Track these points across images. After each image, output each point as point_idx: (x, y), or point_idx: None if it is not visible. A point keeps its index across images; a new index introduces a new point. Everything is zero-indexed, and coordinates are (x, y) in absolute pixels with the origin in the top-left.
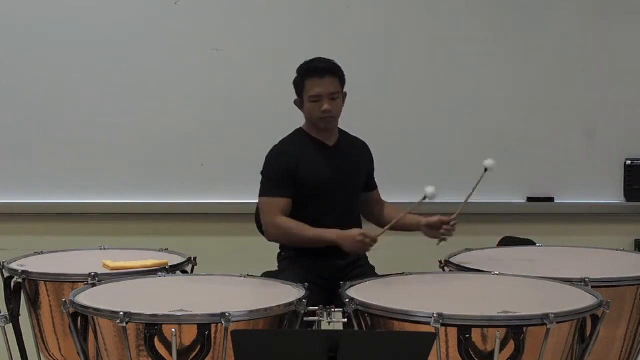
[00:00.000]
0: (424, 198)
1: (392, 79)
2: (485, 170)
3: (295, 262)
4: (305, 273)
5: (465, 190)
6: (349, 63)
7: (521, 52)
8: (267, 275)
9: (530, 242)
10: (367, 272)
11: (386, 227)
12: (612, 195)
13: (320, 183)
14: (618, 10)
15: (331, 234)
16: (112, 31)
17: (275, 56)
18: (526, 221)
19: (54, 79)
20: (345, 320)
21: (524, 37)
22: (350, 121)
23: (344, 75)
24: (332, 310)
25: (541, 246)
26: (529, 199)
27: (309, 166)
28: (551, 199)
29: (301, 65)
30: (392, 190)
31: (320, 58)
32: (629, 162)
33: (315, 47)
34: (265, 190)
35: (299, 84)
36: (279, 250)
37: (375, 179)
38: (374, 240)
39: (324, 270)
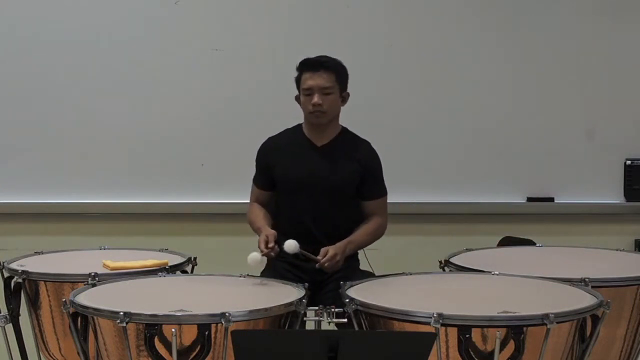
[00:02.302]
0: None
1: (391, 79)
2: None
3: (281, 260)
4: (289, 273)
5: (465, 190)
6: (349, 63)
7: (521, 52)
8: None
9: (530, 242)
10: (351, 275)
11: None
12: (612, 195)
13: (293, 182)
14: (618, 10)
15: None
16: (112, 31)
17: (275, 56)
18: (526, 221)
19: (54, 79)
20: (345, 320)
21: (524, 37)
22: (350, 121)
23: (343, 74)
24: (332, 310)
25: (541, 246)
26: (529, 199)
27: (287, 164)
28: (551, 199)
29: (301, 60)
30: (391, 191)
31: (323, 55)
32: (629, 162)
33: (315, 47)
34: (254, 176)
35: (297, 79)
36: None
37: (385, 185)
38: (270, 252)
39: (307, 269)
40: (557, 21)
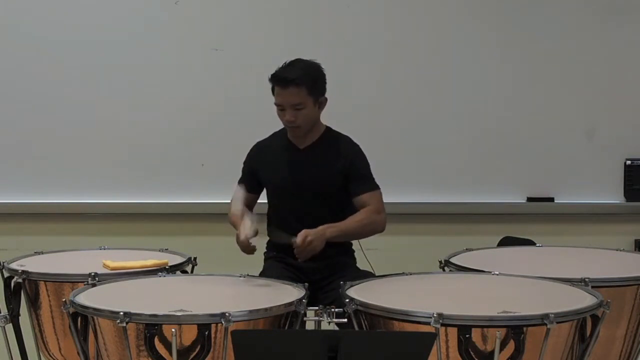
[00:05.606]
0: None
1: (391, 79)
2: None
3: (278, 260)
4: (286, 272)
5: (465, 190)
6: (349, 63)
7: (521, 52)
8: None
9: (530, 242)
10: (348, 274)
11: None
12: (612, 195)
13: (277, 186)
14: (618, 10)
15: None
16: (111, 31)
17: (275, 56)
18: (526, 221)
19: (54, 79)
20: (345, 320)
21: (524, 37)
22: (350, 121)
23: (316, 83)
24: (332, 310)
25: (541, 246)
26: (529, 199)
27: (270, 169)
28: (551, 199)
29: (274, 71)
30: (391, 191)
31: (292, 64)
32: (629, 162)
33: (316, 47)
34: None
35: (272, 89)
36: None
37: (375, 181)
38: (244, 245)
39: (304, 269)
40: (557, 21)
